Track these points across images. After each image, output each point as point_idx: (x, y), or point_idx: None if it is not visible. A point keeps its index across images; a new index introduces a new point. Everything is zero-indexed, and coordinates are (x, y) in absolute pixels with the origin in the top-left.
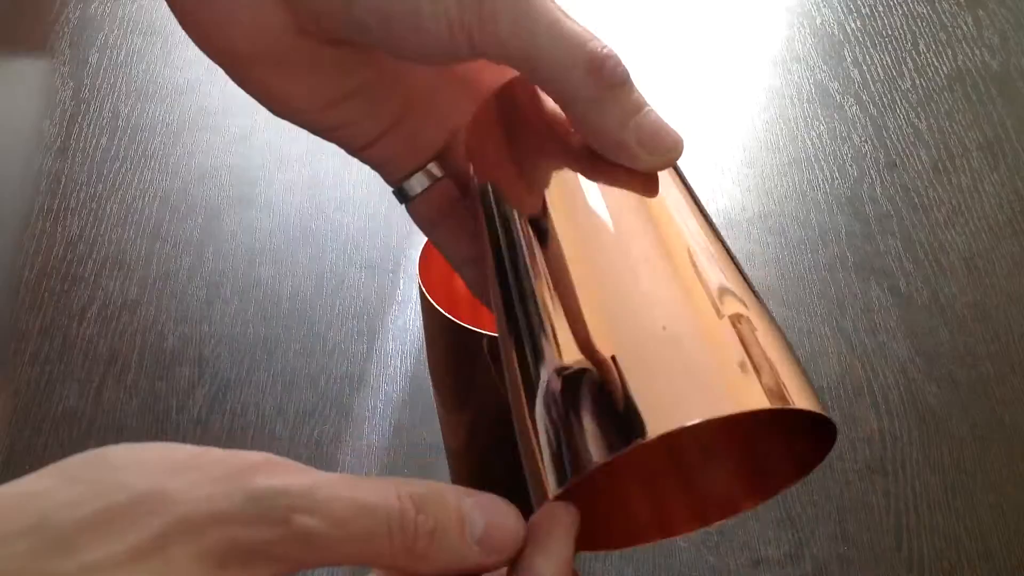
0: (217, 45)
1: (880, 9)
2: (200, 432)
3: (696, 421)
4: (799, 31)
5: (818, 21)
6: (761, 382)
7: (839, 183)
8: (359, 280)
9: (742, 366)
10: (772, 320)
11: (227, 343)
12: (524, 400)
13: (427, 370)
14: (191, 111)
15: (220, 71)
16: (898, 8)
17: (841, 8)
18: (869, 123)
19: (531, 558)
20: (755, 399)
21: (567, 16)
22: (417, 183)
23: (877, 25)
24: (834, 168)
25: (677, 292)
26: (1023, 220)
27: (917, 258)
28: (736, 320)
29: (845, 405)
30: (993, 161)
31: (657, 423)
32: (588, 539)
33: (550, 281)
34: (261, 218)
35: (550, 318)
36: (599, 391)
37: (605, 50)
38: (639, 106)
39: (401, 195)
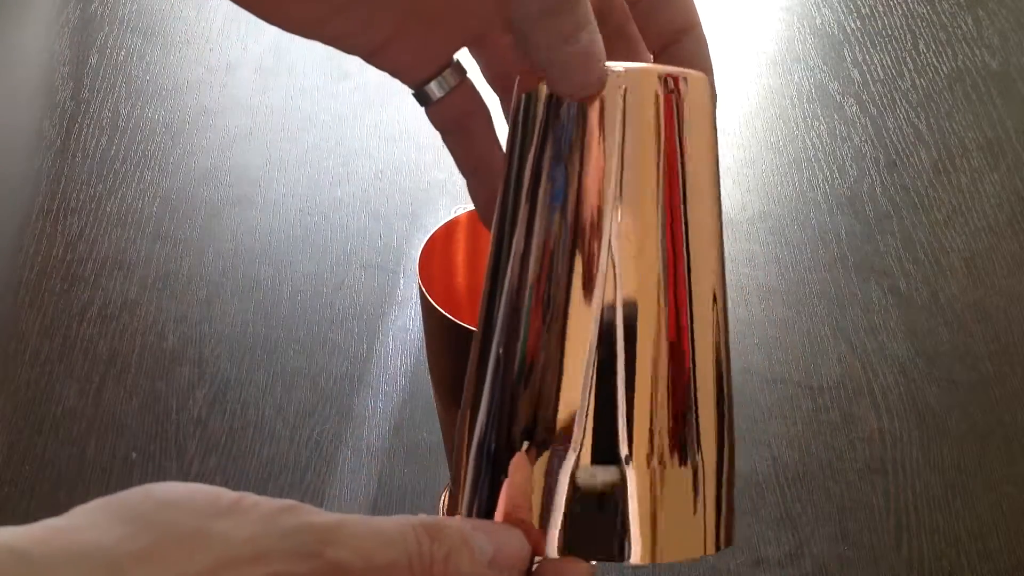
0: None
1: (880, 9)
2: (200, 432)
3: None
4: (799, 31)
5: (818, 21)
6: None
7: (839, 183)
8: (359, 280)
9: (651, 519)
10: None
11: (227, 343)
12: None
13: (427, 370)
14: (191, 111)
15: (220, 71)
16: (898, 8)
17: (841, 8)
18: (869, 123)
19: None
20: (642, 555)
21: None
22: (435, 88)
23: (877, 25)
24: (834, 168)
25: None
26: (1023, 220)
27: (917, 258)
28: (663, 469)
29: (845, 405)
30: (993, 161)
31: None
32: None
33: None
34: (261, 218)
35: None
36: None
37: None
38: (568, 33)
39: (420, 98)
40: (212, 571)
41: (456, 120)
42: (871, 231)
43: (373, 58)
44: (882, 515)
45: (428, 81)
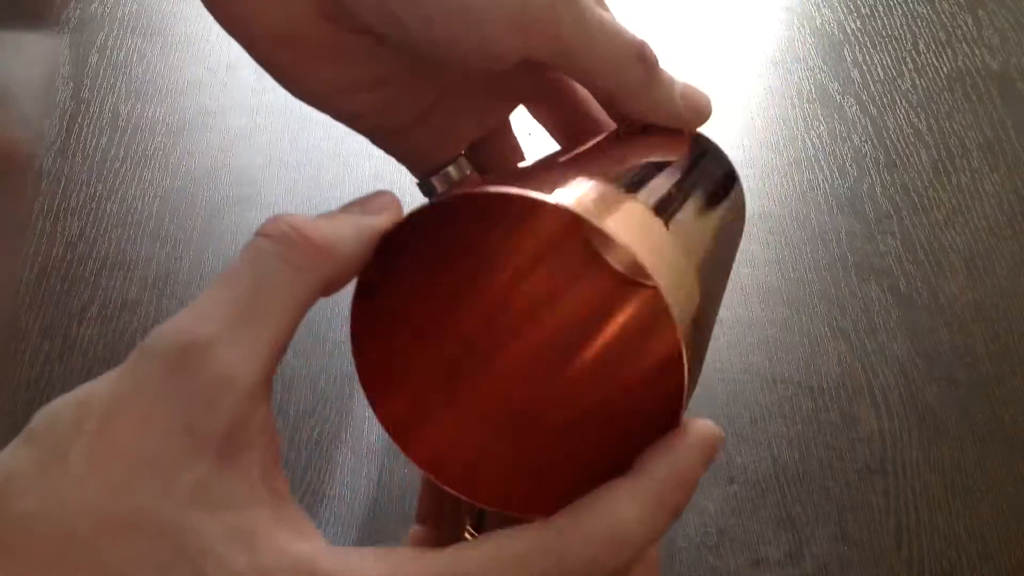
0: (238, 24)
1: (880, 9)
2: None
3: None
4: (799, 31)
5: (818, 21)
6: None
7: (839, 183)
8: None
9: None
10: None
11: None
12: None
13: None
14: (191, 111)
15: (220, 71)
16: (898, 8)
17: (841, 8)
18: (869, 123)
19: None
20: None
21: (604, 8)
22: (443, 179)
23: (877, 25)
24: (834, 168)
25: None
26: (1023, 220)
27: (917, 258)
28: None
29: (845, 405)
30: (993, 161)
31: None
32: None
33: None
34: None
35: None
36: None
37: (639, 38)
38: (672, 78)
39: (426, 189)
40: None
41: None
42: (871, 231)
43: (385, 142)
44: (882, 515)
45: (436, 171)
